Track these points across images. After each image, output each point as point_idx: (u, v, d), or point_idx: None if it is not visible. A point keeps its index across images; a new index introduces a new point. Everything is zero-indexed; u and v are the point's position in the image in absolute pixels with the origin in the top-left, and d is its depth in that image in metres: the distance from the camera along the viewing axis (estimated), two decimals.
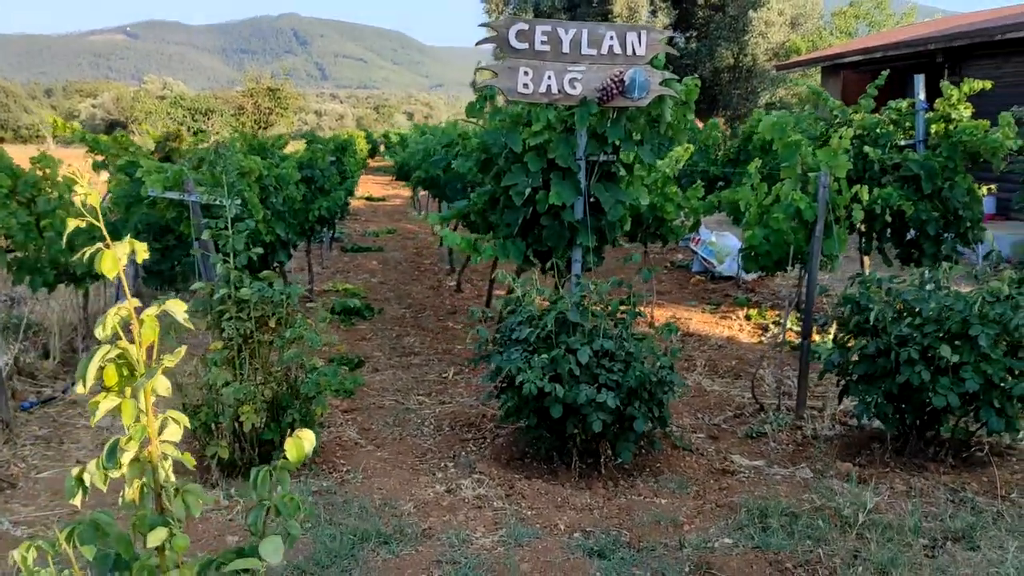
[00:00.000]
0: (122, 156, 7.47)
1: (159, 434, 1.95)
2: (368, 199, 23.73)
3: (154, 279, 7.15)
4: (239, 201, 5.17)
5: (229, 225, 4.65)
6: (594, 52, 5.20)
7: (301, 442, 2.27)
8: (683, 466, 5.03)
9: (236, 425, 4.45)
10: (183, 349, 1.95)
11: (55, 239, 5.92)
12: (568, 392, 4.41)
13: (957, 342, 4.61)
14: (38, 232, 5.95)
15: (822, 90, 7.98)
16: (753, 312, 9.31)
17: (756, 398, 6.13)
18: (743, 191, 6.76)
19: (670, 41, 5.49)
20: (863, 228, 7.45)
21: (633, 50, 5.22)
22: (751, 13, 28.99)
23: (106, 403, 1.86)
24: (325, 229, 10.98)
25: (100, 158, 8.60)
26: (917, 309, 4.78)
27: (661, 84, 5.29)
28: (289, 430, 4.65)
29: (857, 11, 29.28)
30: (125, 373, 1.89)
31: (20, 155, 7.48)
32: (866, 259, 7.81)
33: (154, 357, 1.92)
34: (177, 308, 1.97)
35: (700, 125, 13.28)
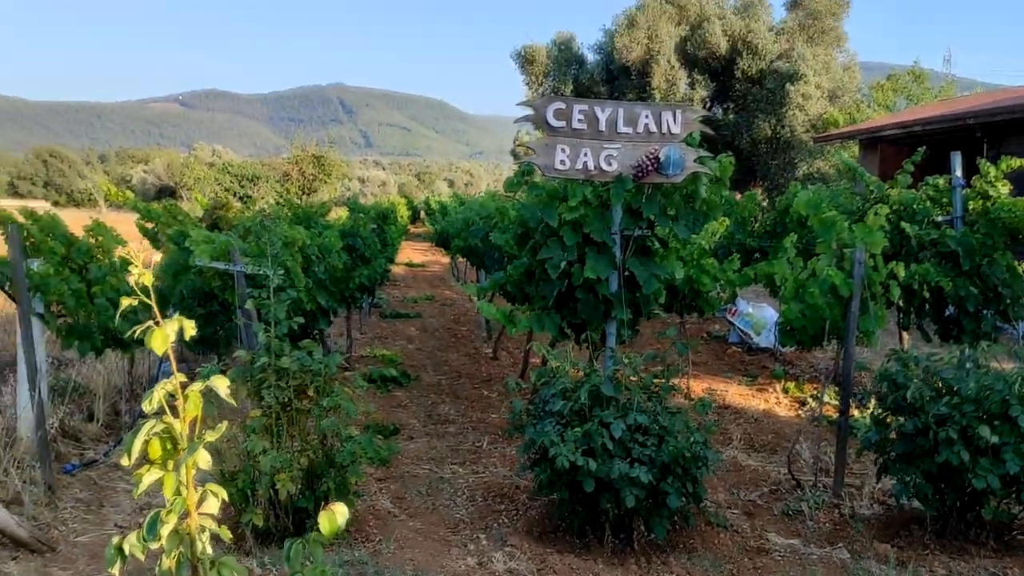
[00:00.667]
0: (172, 225, 7.73)
1: (198, 507, 2.02)
2: (408, 265, 24.07)
3: (197, 344, 7.32)
4: (282, 271, 5.34)
5: (272, 295, 4.79)
6: (630, 130, 5.33)
7: (334, 515, 2.32)
8: (717, 543, 4.97)
9: (272, 493, 4.51)
10: (224, 425, 2.03)
11: (105, 306, 6.11)
12: (601, 467, 4.41)
13: (997, 422, 4.55)
14: (89, 299, 6.15)
15: (858, 165, 8.03)
16: (791, 385, 9.22)
17: (793, 474, 6.05)
18: (779, 265, 6.78)
19: (707, 119, 5.61)
20: (902, 304, 7.41)
21: (668, 128, 5.35)
22: (789, 86, 29.26)
23: (149, 476, 1.95)
24: (365, 295, 11.16)
25: (150, 225, 8.92)
26: (956, 388, 4.73)
27: (696, 161, 5.39)
28: (324, 499, 4.69)
29: (895, 85, 29.43)
30: (168, 447, 1.97)
31: (74, 218, 7.79)
32: (905, 335, 7.74)
33: (197, 430, 2.01)
34: (221, 384, 2.06)
35: (738, 197, 13.37)
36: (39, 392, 5.10)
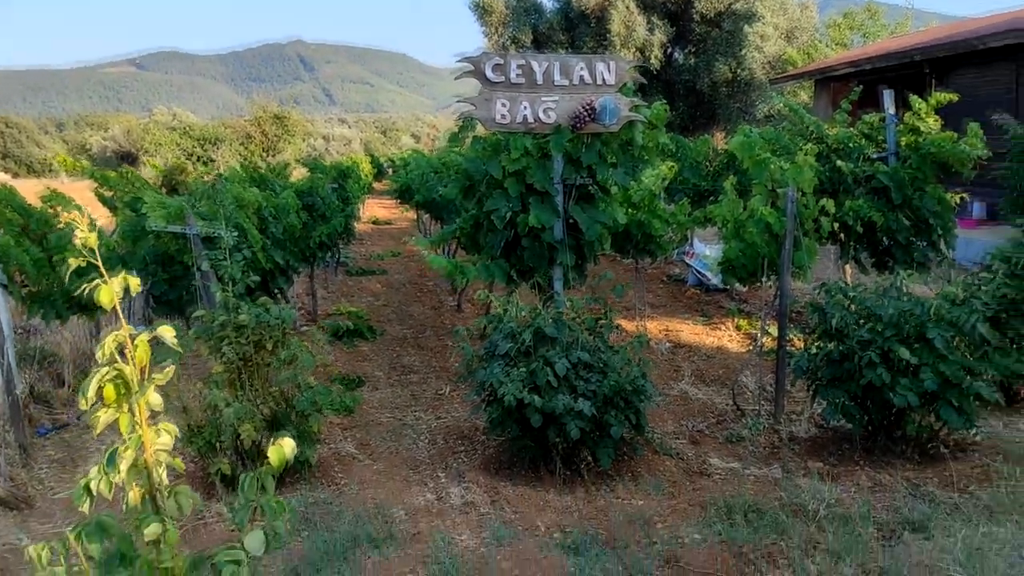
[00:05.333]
0: (129, 191, 7.83)
1: (154, 442, 2.26)
2: (374, 222, 24.15)
3: (164, 307, 7.48)
4: (236, 232, 5.51)
5: (227, 255, 4.98)
6: (566, 82, 5.53)
7: (282, 449, 2.56)
8: (662, 469, 5.30)
9: (237, 442, 4.76)
10: (171, 368, 2.25)
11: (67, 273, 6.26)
12: (546, 402, 4.70)
13: (915, 344, 4.89)
14: (50, 267, 6.29)
15: (798, 106, 8.28)
16: (743, 322, 9.57)
17: (737, 404, 6.40)
18: (722, 207, 7.06)
19: (641, 69, 5.80)
20: (842, 238, 7.72)
21: (603, 79, 5.55)
22: (746, 27, 29.34)
23: (106, 416, 2.18)
24: (329, 254, 11.31)
25: (109, 193, 8.99)
26: (877, 314, 5.06)
27: (631, 110, 5.61)
28: None
29: (851, 22, 29.58)
30: (122, 391, 2.20)
31: (33, 189, 7.87)
32: (847, 268, 8.07)
33: (147, 376, 2.23)
34: (167, 333, 2.28)
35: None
36: (6, 358, 5.28)
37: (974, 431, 5.07)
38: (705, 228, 11.52)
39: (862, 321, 5.15)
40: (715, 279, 11.79)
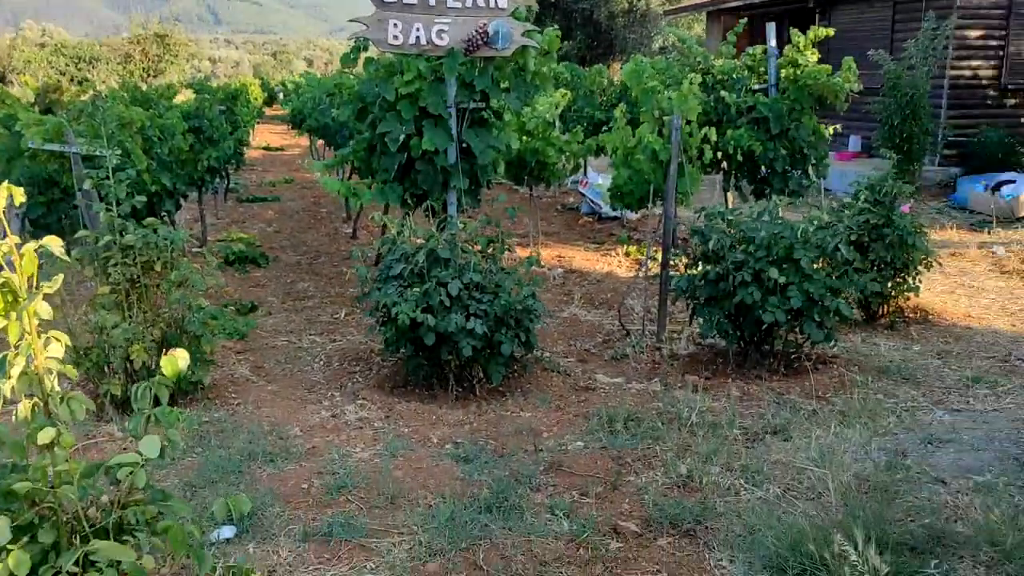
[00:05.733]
0: (1, 109, 7.43)
1: (44, 351, 2.28)
2: (266, 149, 23.48)
3: (41, 231, 7.21)
4: (120, 151, 5.35)
5: (110, 175, 4.85)
6: (459, 5, 5.54)
7: (175, 359, 2.61)
8: (550, 385, 5.56)
9: (127, 364, 4.73)
10: (61, 277, 2.27)
11: None
12: (440, 322, 4.84)
13: (784, 265, 5.24)
14: None
15: (689, 37, 8.50)
16: (632, 249, 9.91)
17: (623, 325, 6.70)
18: (613, 135, 7.25)
19: None
20: (725, 167, 8.07)
21: (495, 3, 5.59)
22: None
23: None
24: (218, 180, 11.03)
25: None
26: (751, 237, 5.38)
27: (523, 35, 5.68)
28: None
29: None
30: (10, 299, 2.21)
31: None
32: (729, 196, 8.44)
33: (35, 286, 2.24)
34: (54, 244, 2.29)
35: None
36: None
37: (834, 345, 5.51)
38: (599, 158, 11.79)
39: (738, 244, 5.46)
40: (607, 208, 12.11)
